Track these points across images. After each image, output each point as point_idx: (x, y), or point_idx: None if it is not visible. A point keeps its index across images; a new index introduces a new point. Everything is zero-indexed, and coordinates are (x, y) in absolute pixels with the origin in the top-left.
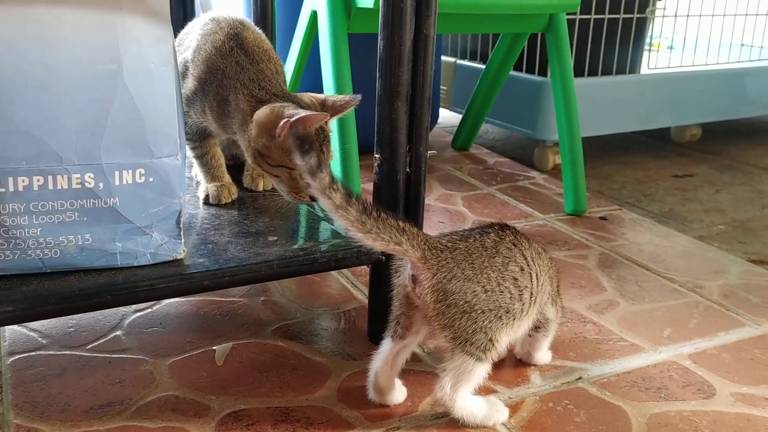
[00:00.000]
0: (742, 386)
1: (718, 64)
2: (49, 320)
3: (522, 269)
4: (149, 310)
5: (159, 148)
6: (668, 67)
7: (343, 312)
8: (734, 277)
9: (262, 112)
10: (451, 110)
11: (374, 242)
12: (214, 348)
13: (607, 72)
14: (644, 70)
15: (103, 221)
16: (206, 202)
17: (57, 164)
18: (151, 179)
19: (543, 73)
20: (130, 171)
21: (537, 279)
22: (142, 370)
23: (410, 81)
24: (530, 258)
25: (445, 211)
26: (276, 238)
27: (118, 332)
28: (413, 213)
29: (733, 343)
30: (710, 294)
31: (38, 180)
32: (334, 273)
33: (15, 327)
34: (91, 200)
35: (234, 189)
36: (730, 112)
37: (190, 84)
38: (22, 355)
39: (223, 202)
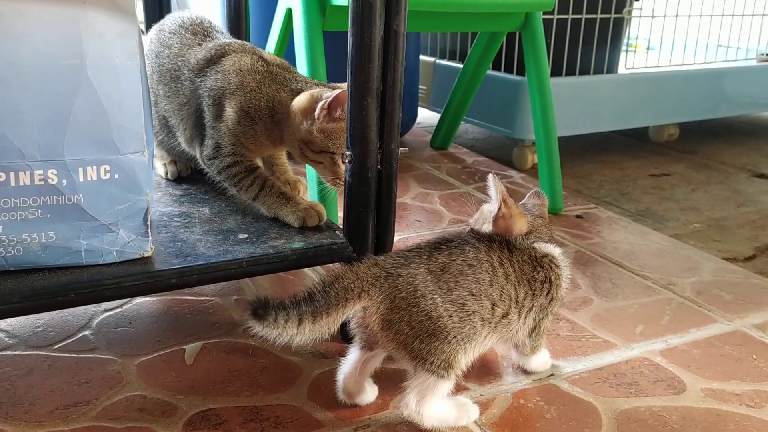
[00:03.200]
0: (713, 382)
1: (695, 64)
2: (16, 320)
3: (473, 292)
4: (119, 309)
5: (124, 144)
6: (646, 67)
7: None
8: (707, 274)
9: (301, 99)
10: (431, 110)
11: (328, 323)
12: (184, 347)
13: (585, 72)
14: (622, 69)
15: (67, 218)
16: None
17: (19, 160)
18: (116, 176)
19: (521, 72)
20: (95, 167)
21: (505, 295)
22: (110, 369)
23: (381, 77)
24: (494, 275)
25: (421, 209)
26: (247, 235)
27: (87, 332)
28: (385, 210)
29: (704, 339)
30: (683, 291)
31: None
32: (308, 271)
33: None
34: (55, 197)
35: (321, 209)
36: (707, 112)
37: (232, 117)
38: None
39: (318, 223)
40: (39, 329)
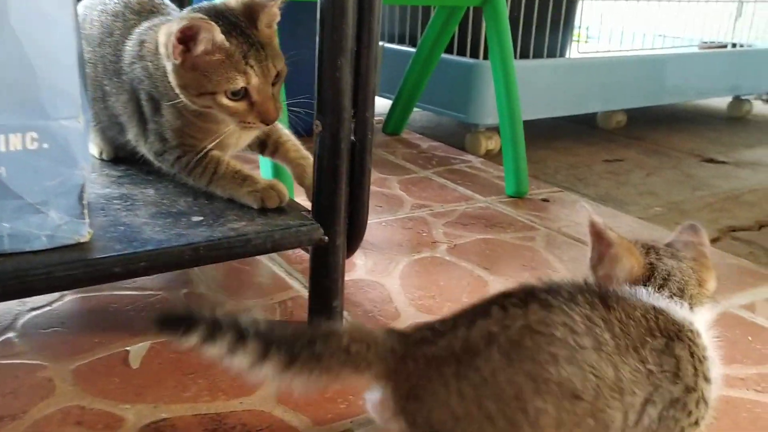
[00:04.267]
0: None
1: (643, 50)
2: None
3: (534, 378)
4: (48, 308)
5: (56, 109)
6: (597, 51)
7: (278, 302)
8: None
9: (159, 38)
10: (379, 96)
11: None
12: (128, 349)
13: (538, 56)
14: (574, 54)
15: None
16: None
17: None
18: (45, 145)
19: (475, 55)
20: (19, 135)
21: (594, 379)
22: (40, 377)
23: (356, 36)
24: (576, 347)
25: (381, 195)
26: (202, 218)
27: (11, 334)
28: (358, 188)
29: None
30: None
31: None
32: (265, 260)
33: None
34: None
35: (284, 189)
36: (655, 99)
37: (168, 109)
38: None
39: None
40: None
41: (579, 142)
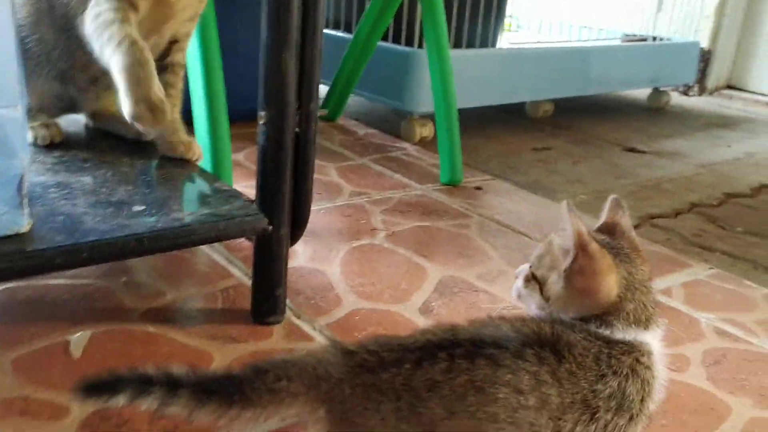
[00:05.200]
0: None
1: (570, 41)
2: None
3: None
4: None
5: None
6: (526, 42)
7: (220, 290)
8: None
9: None
10: None
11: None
12: (69, 338)
13: (471, 46)
14: (503, 45)
15: None
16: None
17: None
18: None
19: (410, 43)
20: None
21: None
22: None
23: (300, 28)
24: (519, 405)
25: (320, 182)
26: (143, 207)
27: None
28: (302, 178)
29: None
30: None
31: None
32: (205, 248)
33: None
34: None
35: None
36: (581, 89)
37: None
38: None
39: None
40: None
41: (509, 130)
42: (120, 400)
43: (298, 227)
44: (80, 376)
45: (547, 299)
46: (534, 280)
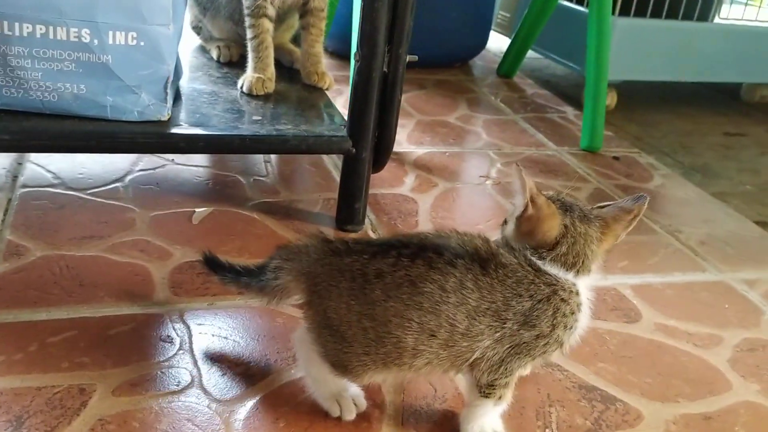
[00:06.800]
0: (670, 319)
1: None
2: (64, 164)
3: (402, 316)
4: (151, 170)
5: (152, 16)
6: (741, 19)
7: (323, 199)
8: (721, 229)
9: None
10: (511, 38)
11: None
12: (195, 210)
13: (687, 18)
14: (716, 20)
15: (97, 75)
16: (241, 90)
17: (57, 16)
18: (142, 43)
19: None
20: (123, 33)
21: (448, 325)
22: (128, 216)
23: None
24: (441, 301)
25: (461, 130)
26: (260, 118)
27: (119, 184)
28: (388, 112)
29: (684, 283)
30: (687, 239)
31: (41, 28)
32: (328, 165)
33: (34, 166)
34: (87, 54)
35: (270, 84)
36: None
37: None
38: (32, 189)
39: (255, 94)
40: (81, 176)
41: (708, 111)
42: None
43: (382, 153)
44: (189, 236)
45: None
46: (504, 224)
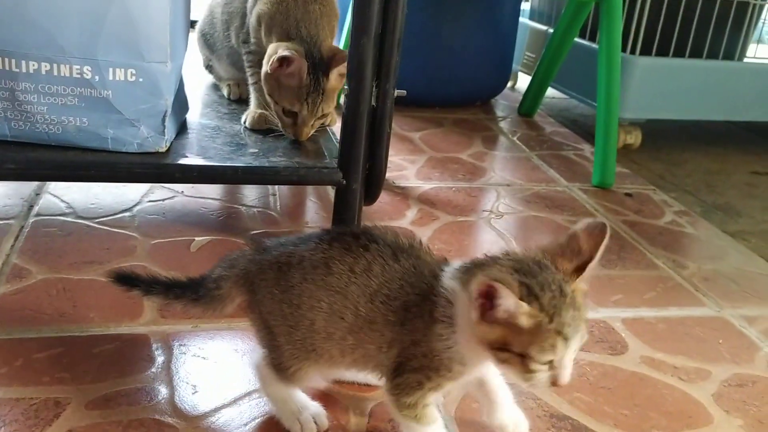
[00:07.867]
0: (658, 353)
1: None
2: (78, 194)
3: (312, 297)
4: (160, 201)
5: (150, 54)
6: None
7: (322, 229)
8: (729, 265)
9: (271, 46)
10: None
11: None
12: (195, 238)
13: (712, 56)
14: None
15: (98, 109)
16: (244, 124)
17: (60, 54)
18: (140, 79)
19: (623, 48)
20: (123, 69)
21: (350, 312)
22: (130, 243)
23: (381, 21)
24: (347, 285)
25: (472, 166)
26: (257, 150)
27: (127, 214)
28: (377, 144)
29: (678, 318)
30: (691, 275)
31: (46, 66)
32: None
33: (49, 196)
34: (88, 89)
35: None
36: None
37: (257, 14)
38: (45, 217)
39: (256, 128)
40: (92, 205)
41: (738, 150)
42: (135, 292)
43: (373, 185)
44: (185, 263)
45: None
46: None
